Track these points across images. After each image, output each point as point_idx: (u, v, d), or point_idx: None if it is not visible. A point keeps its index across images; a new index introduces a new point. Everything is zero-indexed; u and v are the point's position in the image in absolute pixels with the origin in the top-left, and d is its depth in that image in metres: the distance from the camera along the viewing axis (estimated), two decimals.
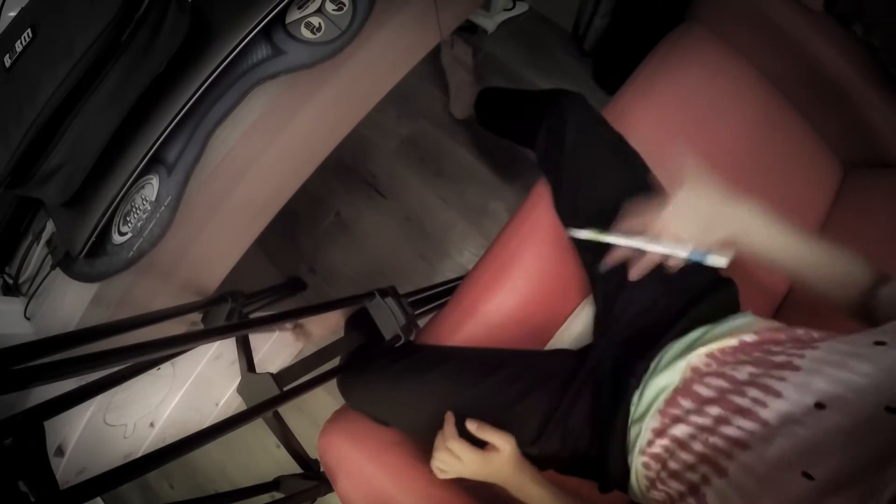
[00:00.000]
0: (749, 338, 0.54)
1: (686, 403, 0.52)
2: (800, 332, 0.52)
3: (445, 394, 0.69)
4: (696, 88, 0.91)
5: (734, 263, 0.56)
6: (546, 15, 1.46)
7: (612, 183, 0.73)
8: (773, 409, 0.43)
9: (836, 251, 0.55)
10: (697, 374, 0.54)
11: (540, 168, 0.84)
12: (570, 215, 0.78)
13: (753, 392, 0.45)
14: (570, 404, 0.64)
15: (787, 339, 0.52)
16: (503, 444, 0.61)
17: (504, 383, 0.68)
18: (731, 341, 0.55)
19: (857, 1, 0.82)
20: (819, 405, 0.40)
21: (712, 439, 0.46)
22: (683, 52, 0.94)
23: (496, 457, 0.61)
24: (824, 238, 0.56)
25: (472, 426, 0.63)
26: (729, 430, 0.45)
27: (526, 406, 0.65)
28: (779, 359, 0.47)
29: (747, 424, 0.44)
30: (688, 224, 0.56)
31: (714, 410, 0.48)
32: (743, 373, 0.49)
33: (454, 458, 0.63)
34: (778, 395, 0.43)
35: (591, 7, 1.25)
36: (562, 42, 1.45)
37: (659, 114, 0.88)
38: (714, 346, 0.55)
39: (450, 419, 0.65)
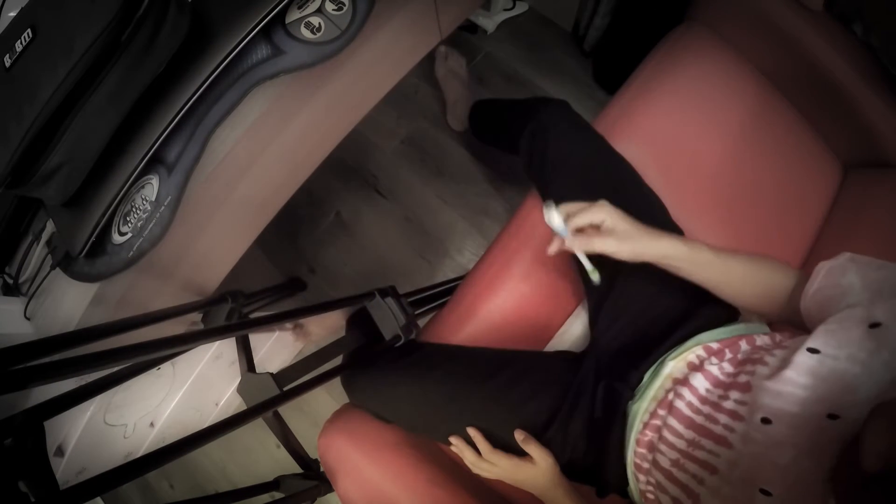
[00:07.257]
0: (714, 345, 0.57)
1: (664, 415, 0.54)
2: (758, 340, 0.54)
3: (449, 394, 0.69)
4: (696, 89, 0.91)
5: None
6: (546, 15, 1.46)
7: (595, 187, 0.73)
8: (738, 433, 0.44)
9: (755, 262, 0.56)
10: (676, 383, 0.56)
11: (525, 174, 0.85)
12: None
13: (724, 418, 0.47)
14: (569, 410, 0.64)
15: (748, 348, 0.53)
16: (541, 459, 0.63)
17: (508, 385, 0.68)
18: (699, 350, 0.57)
19: (857, 0, 0.82)
20: (765, 420, 0.41)
21: (685, 462, 0.48)
22: (683, 53, 0.94)
23: (530, 467, 0.63)
24: (740, 251, 0.56)
25: (519, 436, 0.64)
26: (700, 454, 0.47)
27: (529, 410, 0.66)
28: (742, 379, 0.48)
29: (717, 449, 0.46)
30: (620, 220, 0.56)
31: (688, 434, 0.50)
32: (713, 394, 0.50)
33: (490, 465, 0.66)
34: (741, 418, 0.45)
35: (591, 7, 1.25)
36: (562, 42, 1.45)
37: (659, 114, 0.88)
38: (688, 355, 0.58)
39: (477, 437, 0.67)
